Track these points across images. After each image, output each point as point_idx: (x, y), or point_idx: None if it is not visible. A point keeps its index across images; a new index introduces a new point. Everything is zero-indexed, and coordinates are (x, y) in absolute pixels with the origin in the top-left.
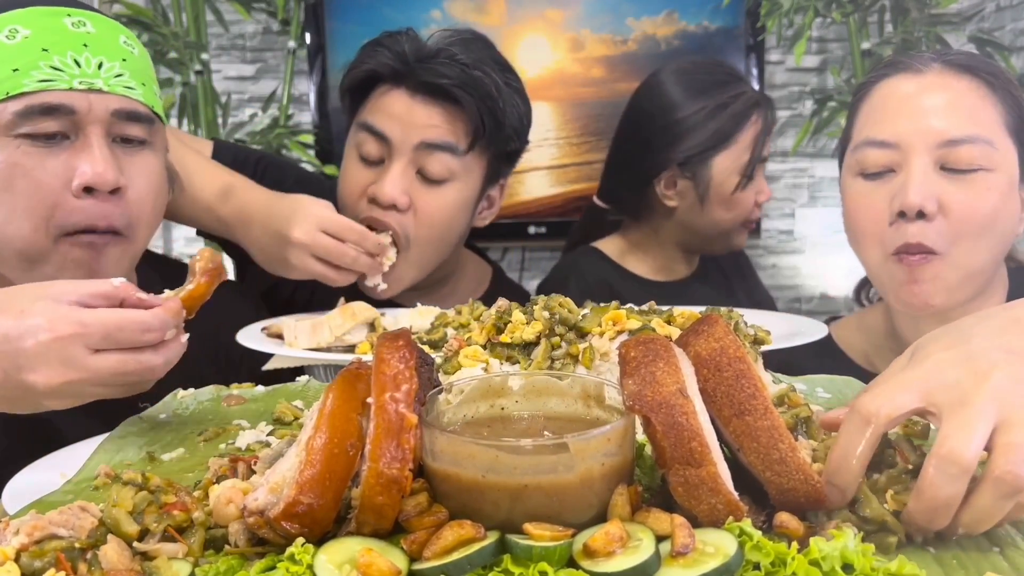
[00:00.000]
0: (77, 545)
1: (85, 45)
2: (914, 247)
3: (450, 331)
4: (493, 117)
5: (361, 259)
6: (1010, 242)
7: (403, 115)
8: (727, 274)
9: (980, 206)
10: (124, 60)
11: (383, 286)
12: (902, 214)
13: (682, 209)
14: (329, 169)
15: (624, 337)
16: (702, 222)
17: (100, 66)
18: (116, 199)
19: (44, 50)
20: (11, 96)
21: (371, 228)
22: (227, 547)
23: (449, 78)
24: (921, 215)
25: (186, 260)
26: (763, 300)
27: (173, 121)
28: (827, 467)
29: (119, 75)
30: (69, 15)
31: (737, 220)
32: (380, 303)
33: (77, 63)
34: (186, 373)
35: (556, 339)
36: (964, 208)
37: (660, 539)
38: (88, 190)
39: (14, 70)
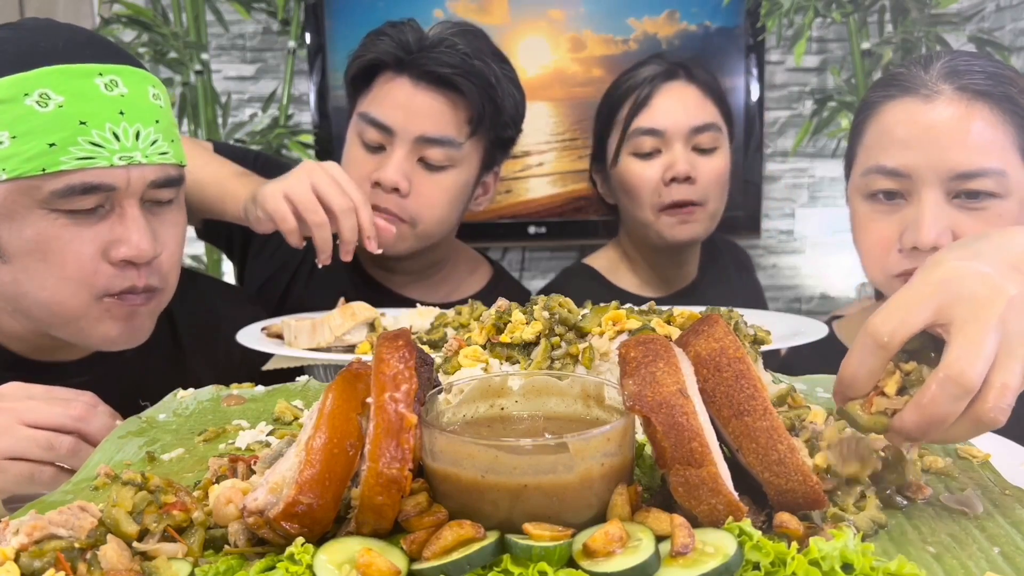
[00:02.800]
0: (77, 545)
1: (121, 112)
2: None
3: (450, 331)
4: (493, 104)
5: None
6: None
7: (405, 104)
8: (731, 279)
9: None
10: (157, 121)
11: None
12: (915, 248)
13: (620, 205)
14: None
15: (624, 337)
16: (623, 215)
17: (137, 135)
18: (152, 262)
19: (82, 123)
20: (48, 172)
21: None
22: (227, 547)
23: (451, 67)
24: (935, 249)
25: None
26: (760, 305)
27: None
28: (837, 384)
29: (154, 141)
30: (101, 74)
31: (640, 204)
32: (380, 303)
33: (116, 136)
34: (184, 373)
35: (556, 339)
36: None
37: (660, 539)
38: (127, 260)
39: (51, 145)
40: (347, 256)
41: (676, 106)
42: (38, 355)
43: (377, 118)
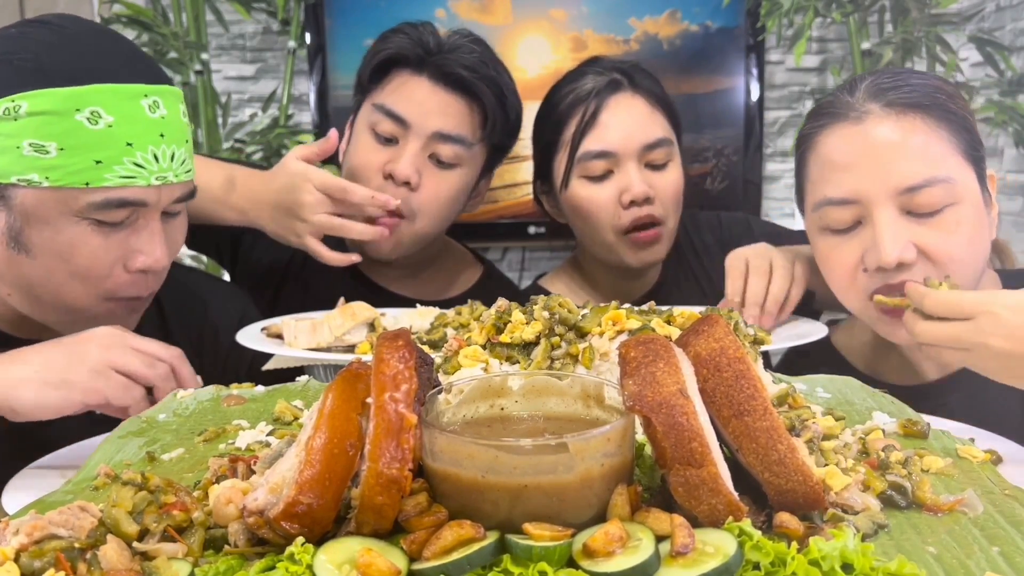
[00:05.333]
0: (77, 545)
1: (162, 135)
2: (897, 286)
3: (450, 331)
4: (503, 112)
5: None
6: (988, 250)
7: (423, 101)
8: (699, 279)
9: (954, 242)
10: (187, 141)
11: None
12: (880, 269)
13: (575, 228)
14: (329, 169)
15: (624, 337)
16: (580, 237)
17: (172, 157)
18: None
19: (128, 144)
20: (91, 187)
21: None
22: (227, 547)
23: (470, 70)
24: (900, 265)
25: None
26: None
27: None
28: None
29: (183, 161)
30: (146, 95)
31: (598, 228)
32: (369, 298)
33: (156, 158)
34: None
35: (556, 339)
36: (938, 249)
37: (660, 539)
38: (142, 270)
39: (97, 162)
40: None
41: (626, 123)
42: (25, 333)
43: (395, 110)
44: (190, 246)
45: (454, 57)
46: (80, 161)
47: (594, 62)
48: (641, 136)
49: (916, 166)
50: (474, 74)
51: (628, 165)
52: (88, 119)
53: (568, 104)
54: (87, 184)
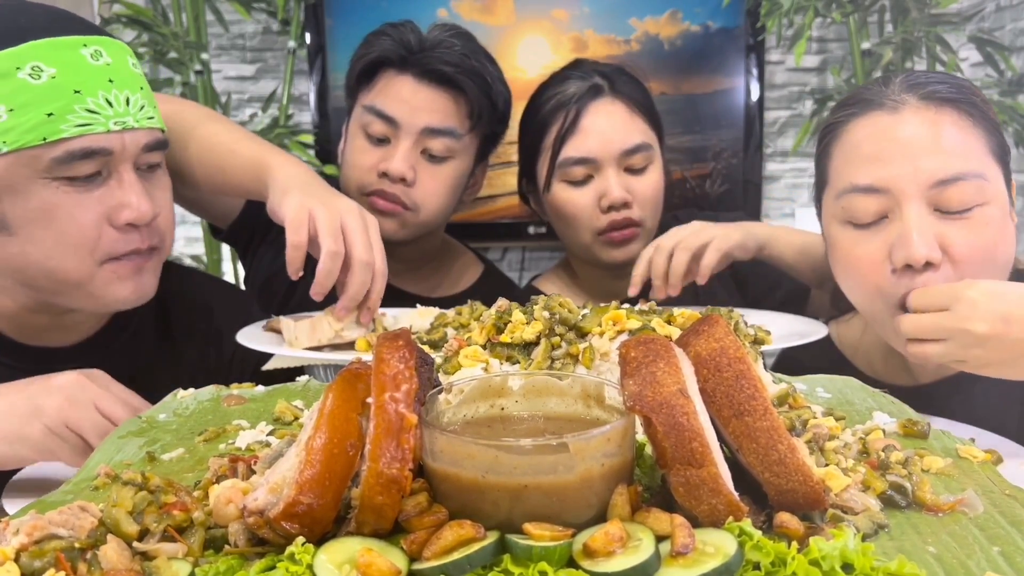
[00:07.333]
0: (77, 545)
1: (111, 81)
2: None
3: (450, 331)
4: (489, 101)
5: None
6: (1011, 263)
7: (410, 99)
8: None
9: (980, 244)
10: (142, 88)
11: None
12: (907, 266)
13: (557, 229)
14: (329, 169)
15: (624, 337)
16: (561, 237)
17: (128, 101)
18: (151, 223)
19: (76, 92)
20: (49, 141)
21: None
22: (227, 547)
23: (453, 65)
24: (928, 264)
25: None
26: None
27: None
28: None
29: (142, 107)
30: (85, 45)
31: (578, 230)
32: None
33: (109, 102)
34: (176, 366)
35: (556, 339)
36: (965, 249)
37: (660, 539)
38: (130, 223)
39: (49, 114)
40: (319, 296)
41: (605, 128)
42: (28, 338)
43: (384, 111)
44: (219, 237)
45: (436, 54)
46: (32, 118)
47: (577, 66)
48: (620, 142)
49: (950, 159)
50: (456, 68)
51: (607, 171)
52: (30, 75)
53: (550, 109)
54: (44, 139)
